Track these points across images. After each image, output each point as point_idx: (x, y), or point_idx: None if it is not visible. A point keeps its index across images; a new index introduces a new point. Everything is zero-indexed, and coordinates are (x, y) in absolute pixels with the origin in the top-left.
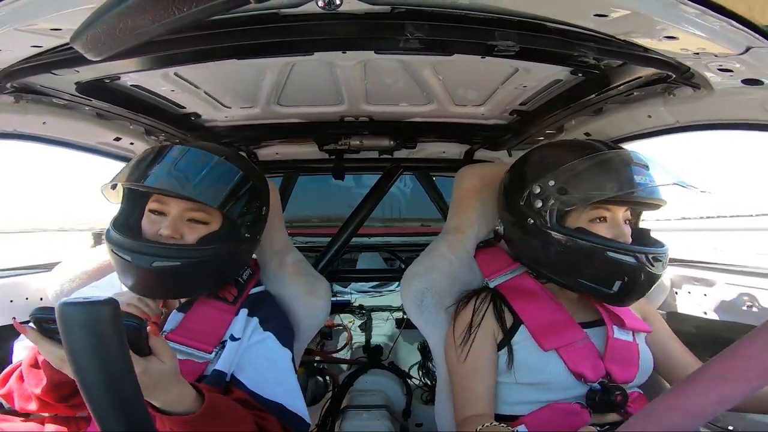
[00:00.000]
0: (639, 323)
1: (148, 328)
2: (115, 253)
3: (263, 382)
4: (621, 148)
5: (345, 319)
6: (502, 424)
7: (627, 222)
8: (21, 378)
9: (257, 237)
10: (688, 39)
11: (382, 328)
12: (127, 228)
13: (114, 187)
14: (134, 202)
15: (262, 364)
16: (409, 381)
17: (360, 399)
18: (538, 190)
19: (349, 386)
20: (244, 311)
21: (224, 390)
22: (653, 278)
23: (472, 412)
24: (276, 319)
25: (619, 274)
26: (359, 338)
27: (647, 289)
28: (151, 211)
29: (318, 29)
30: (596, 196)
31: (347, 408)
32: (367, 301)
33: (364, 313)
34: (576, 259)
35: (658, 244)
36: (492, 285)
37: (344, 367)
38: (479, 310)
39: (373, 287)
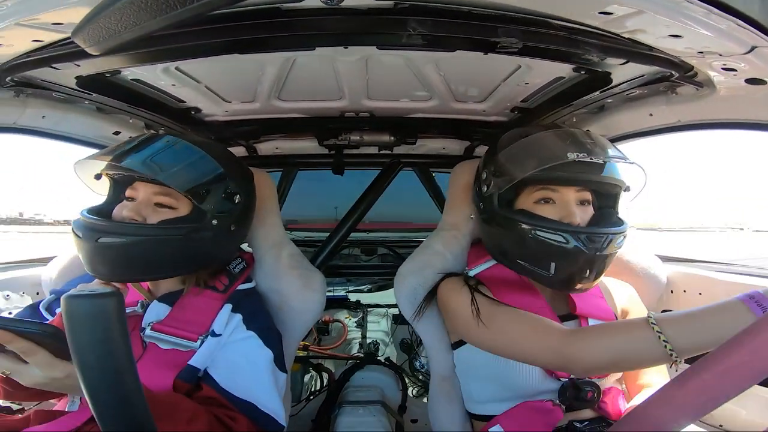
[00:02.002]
0: (607, 314)
1: None
2: (73, 233)
3: (237, 381)
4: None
5: (341, 315)
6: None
7: (585, 203)
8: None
9: (230, 227)
10: (693, 38)
11: (379, 324)
12: (95, 211)
13: (99, 177)
14: (115, 190)
15: (239, 362)
16: (404, 377)
17: (356, 395)
18: (484, 176)
19: (346, 382)
20: (228, 306)
21: (195, 386)
22: (594, 259)
23: (559, 329)
24: (261, 318)
25: (552, 255)
26: (356, 334)
27: (592, 272)
28: (127, 198)
29: (320, 24)
30: (519, 174)
31: (343, 403)
32: (364, 297)
33: (361, 309)
34: (512, 241)
35: (609, 225)
36: (471, 274)
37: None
38: (460, 287)
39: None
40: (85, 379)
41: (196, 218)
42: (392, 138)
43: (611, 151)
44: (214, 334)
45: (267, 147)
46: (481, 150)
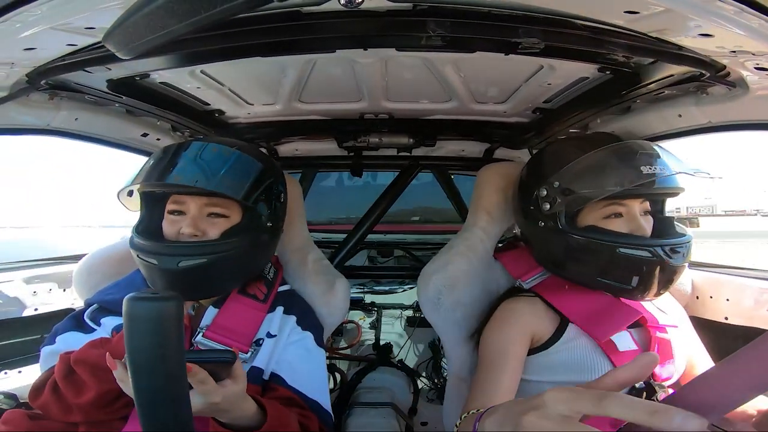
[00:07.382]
0: (670, 325)
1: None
2: (141, 259)
3: (302, 380)
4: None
5: (356, 316)
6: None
7: (646, 213)
8: (55, 389)
9: (279, 225)
10: (725, 37)
11: (393, 326)
12: (148, 232)
13: (131, 194)
14: (153, 205)
15: (301, 362)
16: (417, 380)
17: (367, 396)
18: (544, 193)
19: (357, 383)
20: (280, 309)
21: (263, 387)
22: (673, 270)
23: (488, 404)
24: (310, 317)
25: (635, 269)
26: (369, 335)
27: (671, 282)
28: (171, 212)
29: (339, 27)
30: (599, 194)
31: (354, 404)
32: (379, 298)
33: (375, 310)
34: (590, 259)
35: (677, 233)
36: (526, 286)
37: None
38: (523, 310)
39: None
40: (136, 382)
41: (252, 224)
42: (411, 140)
43: (675, 161)
44: (270, 335)
45: (287, 149)
46: (501, 152)
